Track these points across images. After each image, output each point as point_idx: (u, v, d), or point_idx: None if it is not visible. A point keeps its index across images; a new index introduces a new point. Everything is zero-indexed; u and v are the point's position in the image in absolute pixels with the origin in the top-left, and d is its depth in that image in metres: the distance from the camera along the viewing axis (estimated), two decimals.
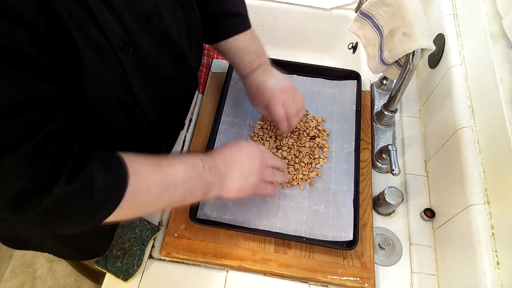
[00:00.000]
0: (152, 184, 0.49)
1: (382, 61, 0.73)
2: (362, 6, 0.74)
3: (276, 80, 0.71)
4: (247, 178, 0.60)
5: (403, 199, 0.68)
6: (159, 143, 0.72)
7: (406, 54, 0.65)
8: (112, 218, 0.47)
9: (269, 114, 0.72)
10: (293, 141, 0.78)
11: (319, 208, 0.70)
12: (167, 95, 0.62)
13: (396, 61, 0.71)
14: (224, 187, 0.58)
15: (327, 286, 0.66)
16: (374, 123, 0.82)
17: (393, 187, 0.69)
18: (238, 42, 0.71)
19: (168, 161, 0.53)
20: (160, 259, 0.67)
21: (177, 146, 0.80)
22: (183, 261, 0.67)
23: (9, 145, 0.36)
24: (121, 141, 0.56)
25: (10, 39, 0.33)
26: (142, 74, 0.52)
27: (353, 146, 0.76)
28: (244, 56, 0.72)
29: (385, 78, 0.86)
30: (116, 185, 0.46)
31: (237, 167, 0.60)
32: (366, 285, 0.64)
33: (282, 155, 0.76)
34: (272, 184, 0.66)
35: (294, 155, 0.76)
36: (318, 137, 0.78)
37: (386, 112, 0.78)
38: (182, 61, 0.62)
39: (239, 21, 0.71)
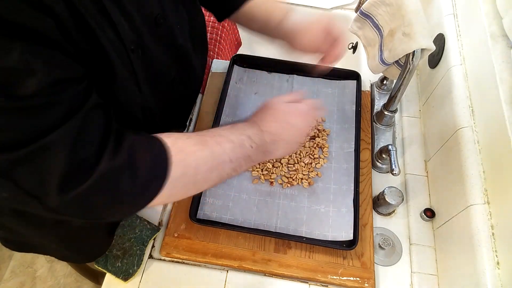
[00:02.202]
0: (200, 163, 0.49)
1: (382, 61, 0.73)
2: (362, 6, 0.74)
3: (312, 22, 0.67)
4: (290, 149, 0.61)
5: (403, 199, 0.68)
6: None
7: (406, 54, 0.65)
8: (164, 198, 0.46)
9: (317, 48, 0.68)
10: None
11: (319, 208, 0.70)
12: (173, 97, 0.62)
13: (396, 61, 0.71)
14: (266, 158, 0.59)
15: (327, 286, 0.66)
16: (374, 123, 0.82)
17: (393, 187, 0.69)
18: (255, 4, 0.67)
19: (214, 138, 0.52)
20: (160, 259, 0.67)
21: None
22: (183, 261, 0.67)
23: (54, 123, 0.37)
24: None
25: (40, 24, 0.35)
26: (149, 76, 0.53)
27: (353, 146, 0.76)
28: (268, 15, 0.68)
29: (385, 78, 0.86)
30: (159, 160, 0.45)
31: (284, 145, 0.59)
32: (366, 285, 0.64)
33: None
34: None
35: (294, 155, 0.76)
36: (318, 137, 0.78)
37: (386, 112, 0.78)
38: (186, 63, 0.62)
39: None
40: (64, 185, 0.38)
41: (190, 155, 0.48)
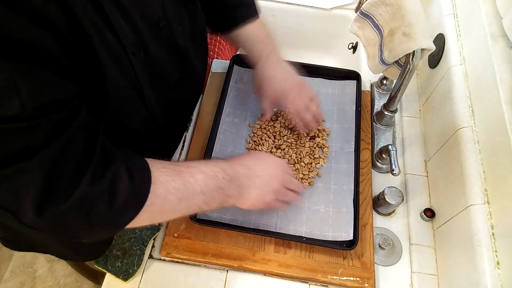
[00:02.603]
0: (170, 193, 0.48)
1: (382, 61, 0.73)
2: (362, 6, 0.74)
3: (284, 76, 0.71)
4: (263, 195, 0.59)
5: (403, 199, 0.68)
6: (166, 146, 0.72)
7: (406, 54, 0.65)
8: (131, 224, 0.46)
9: (270, 106, 0.73)
10: (292, 140, 0.78)
11: (319, 208, 0.70)
12: (175, 98, 0.63)
13: (396, 61, 0.71)
14: (239, 199, 0.57)
15: (327, 286, 0.66)
16: (374, 123, 0.82)
17: (393, 187, 0.69)
18: (245, 30, 0.71)
19: (189, 169, 0.51)
20: (160, 259, 0.67)
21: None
22: (183, 261, 0.67)
23: (36, 146, 0.37)
24: (133, 144, 0.55)
25: (36, 38, 0.34)
26: (151, 78, 0.53)
27: (353, 146, 0.76)
28: (252, 45, 0.72)
29: (385, 78, 0.86)
30: (140, 190, 0.45)
31: (258, 184, 0.59)
32: (366, 285, 0.64)
33: (282, 155, 0.76)
34: (283, 201, 0.65)
35: (294, 154, 0.76)
36: (318, 137, 0.78)
37: (386, 112, 0.78)
38: (188, 64, 0.62)
39: (245, 11, 0.72)
40: (40, 205, 0.38)
41: (162, 185, 0.47)
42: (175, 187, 0.48)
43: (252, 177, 0.58)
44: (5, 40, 0.32)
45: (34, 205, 0.38)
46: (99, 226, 0.44)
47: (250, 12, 0.72)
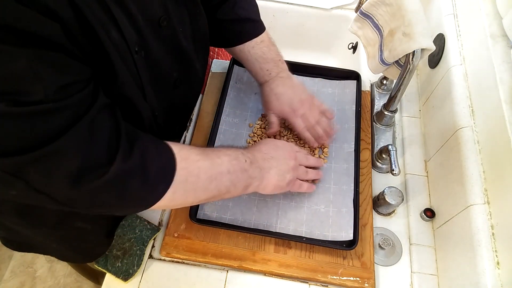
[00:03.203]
0: (201, 171, 0.51)
1: (382, 61, 0.73)
2: (362, 6, 0.74)
3: (295, 92, 0.73)
4: (284, 174, 0.62)
5: (403, 199, 0.68)
6: None
7: (406, 54, 0.65)
8: (165, 202, 0.48)
9: (278, 121, 0.74)
10: (292, 141, 0.78)
11: (319, 208, 0.70)
12: (175, 98, 0.63)
13: (396, 61, 0.71)
14: (263, 182, 0.60)
15: (327, 286, 0.66)
16: (374, 123, 0.82)
17: (393, 187, 0.69)
18: (255, 50, 0.72)
19: (213, 151, 0.55)
20: (160, 259, 0.67)
21: None
22: (183, 261, 0.67)
23: (63, 126, 0.38)
24: None
25: (45, 30, 0.35)
26: (152, 77, 0.53)
27: (353, 146, 0.76)
28: (262, 64, 0.72)
29: (385, 78, 0.86)
30: (167, 165, 0.47)
31: (275, 164, 0.62)
32: (366, 285, 0.64)
33: None
34: (307, 181, 0.68)
35: None
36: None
37: (386, 112, 0.78)
38: (188, 65, 0.62)
39: (250, 27, 0.72)
40: (76, 181, 0.39)
41: (193, 163, 0.50)
42: (205, 165, 0.51)
43: (268, 159, 0.61)
44: (17, 31, 0.33)
45: (70, 183, 0.39)
46: (131, 202, 0.46)
47: (256, 28, 0.72)
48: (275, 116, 0.74)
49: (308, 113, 0.73)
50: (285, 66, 0.75)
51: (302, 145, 0.77)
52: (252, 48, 0.72)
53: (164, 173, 0.47)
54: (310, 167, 0.69)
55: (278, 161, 0.62)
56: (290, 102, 0.72)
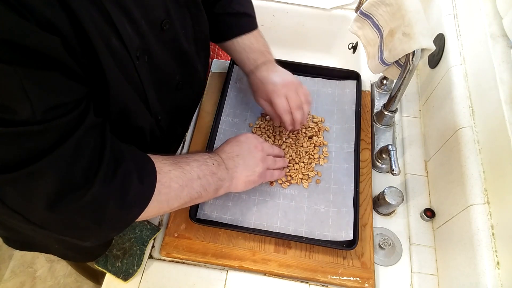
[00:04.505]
0: (173, 181, 0.51)
1: (382, 61, 0.73)
2: (362, 6, 0.74)
3: (279, 75, 0.72)
4: (252, 168, 0.63)
5: (403, 199, 0.68)
6: (168, 148, 0.72)
7: (406, 54, 0.65)
8: (141, 218, 0.48)
9: (271, 108, 0.72)
10: (291, 140, 0.78)
11: (319, 208, 0.70)
12: (177, 101, 0.63)
13: (396, 61, 0.71)
14: (232, 181, 0.60)
15: (327, 286, 0.66)
16: (374, 123, 0.82)
17: (393, 187, 0.69)
18: (243, 40, 0.72)
19: (182, 159, 0.55)
20: (160, 259, 0.67)
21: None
22: (183, 261, 0.67)
23: (47, 148, 0.37)
24: (135, 146, 0.56)
25: (44, 44, 0.34)
26: (155, 81, 0.53)
27: (353, 146, 0.76)
28: (249, 54, 0.72)
29: (385, 78, 0.86)
30: (147, 191, 0.47)
31: (241, 160, 0.62)
32: (366, 285, 0.64)
33: None
34: (278, 169, 0.69)
35: (294, 154, 0.76)
36: (318, 136, 0.78)
37: (386, 112, 0.78)
38: (190, 67, 0.62)
39: (246, 21, 0.72)
40: (52, 205, 0.38)
41: (165, 174, 0.51)
42: (176, 175, 0.52)
43: (233, 158, 0.62)
44: (14, 46, 0.32)
45: (46, 205, 0.38)
46: (108, 225, 0.45)
47: (250, 23, 0.73)
48: (265, 102, 0.72)
49: (291, 94, 0.71)
50: (272, 57, 0.74)
51: (301, 144, 0.77)
52: (240, 39, 0.72)
53: (142, 198, 0.47)
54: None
55: (243, 157, 0.62)
56: (273, 82, 0.71)
